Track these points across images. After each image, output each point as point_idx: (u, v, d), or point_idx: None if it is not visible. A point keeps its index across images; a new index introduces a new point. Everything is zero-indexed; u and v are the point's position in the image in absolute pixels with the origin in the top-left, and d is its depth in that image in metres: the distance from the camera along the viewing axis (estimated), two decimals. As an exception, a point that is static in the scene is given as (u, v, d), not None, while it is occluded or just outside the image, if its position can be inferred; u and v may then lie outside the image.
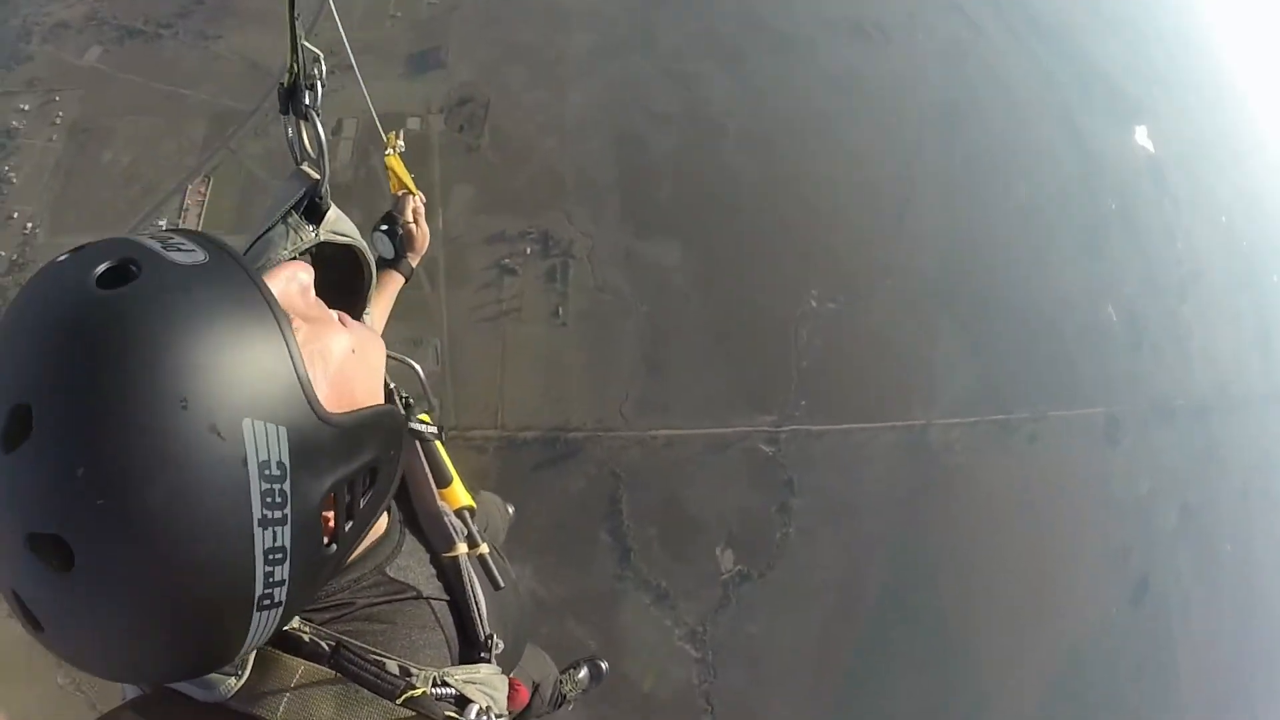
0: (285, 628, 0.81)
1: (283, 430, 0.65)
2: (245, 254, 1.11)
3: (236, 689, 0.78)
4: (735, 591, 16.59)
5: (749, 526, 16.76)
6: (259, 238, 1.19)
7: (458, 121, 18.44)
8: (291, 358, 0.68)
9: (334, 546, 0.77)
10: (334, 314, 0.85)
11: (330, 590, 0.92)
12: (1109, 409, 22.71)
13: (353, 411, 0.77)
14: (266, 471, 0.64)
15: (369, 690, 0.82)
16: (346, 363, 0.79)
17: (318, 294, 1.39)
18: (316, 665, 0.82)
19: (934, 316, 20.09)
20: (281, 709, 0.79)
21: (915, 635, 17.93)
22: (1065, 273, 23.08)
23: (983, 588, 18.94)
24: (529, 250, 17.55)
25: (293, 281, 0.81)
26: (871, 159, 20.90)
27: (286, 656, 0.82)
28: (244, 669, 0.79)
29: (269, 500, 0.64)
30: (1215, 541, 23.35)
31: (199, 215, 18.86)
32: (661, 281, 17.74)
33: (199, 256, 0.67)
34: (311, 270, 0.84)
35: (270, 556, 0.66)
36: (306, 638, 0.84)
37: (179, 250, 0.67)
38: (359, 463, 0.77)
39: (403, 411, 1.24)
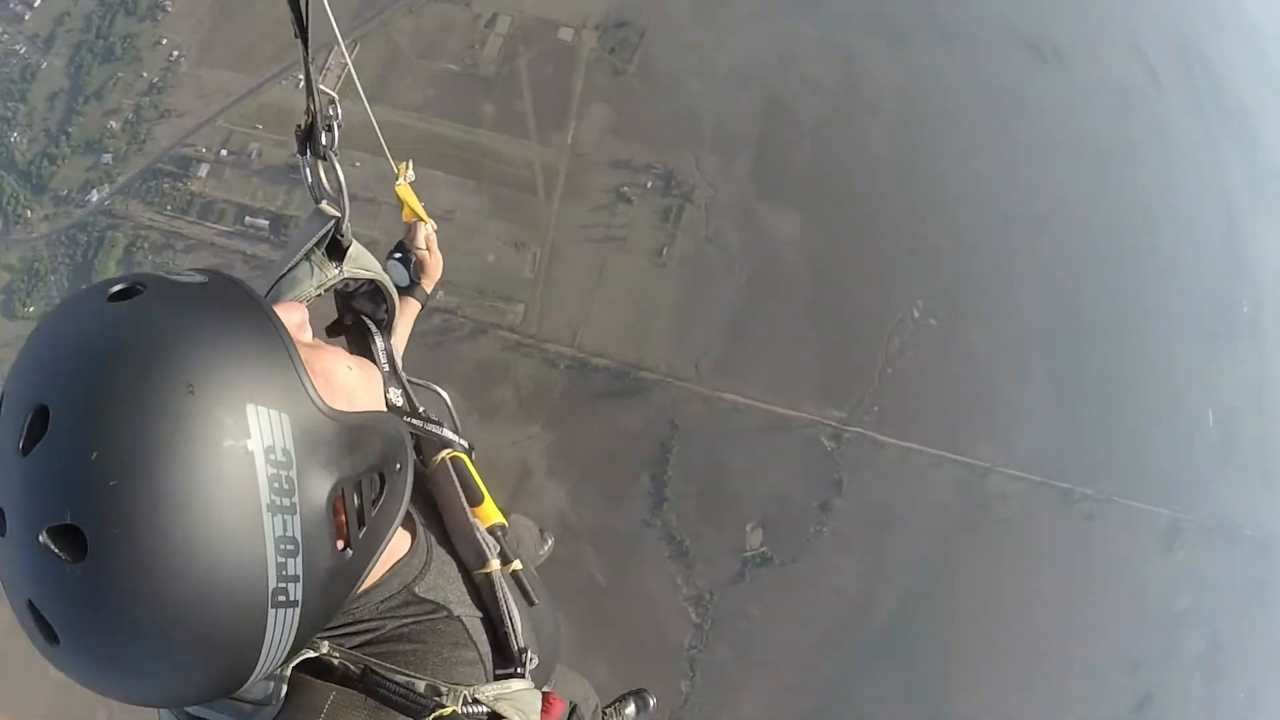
0: (317, 654, 0.82)
1: (285, 418, 0.68)
2: (269, 291, 1.19)
3: (272, 717, 0.78)
4: (752, 571, 16.58)
5: (786, 513, 16.62)
6: (283, 276, 1.20)
7: (610, 42, 18.19)
8: (290, 355, 0.71)
9: (349, 551, 0.78)
10: (331, 347, 0.88)
11: (359, 614, 0.91)
12: (1175, 513, 21.44)
13: (354, 411, 0.79)
14: (272, 456, 0.66)
15: (399, 712, 0.82)
16: (347, 377, 0.83)
17: (344, 327, 1.41)
18: (348, 689, 0.82)
19: (1031, 362, 19.14)
20: None
21: (907, 671, 17.64)
22: (1177, 360, 21.61)
23: (988, 647, 18.44)
24: (649, 184, 17.39)
25: (289, 317, 0.83)
26: (1013, 183, 19.76)
27: (319, 682, 0.82)
28: (278, 698, 0.78)
29: (276, 486, 0.66)
30: (1232, 683, 22.04)
31: (339, 77, 19.24)
32: (772, 248, 17.35)
33: (200, 279, 0.72)
34: (305, 310, 0.88)
35: (281, 546, 0.67)
36: (337, 662, 0.84)
37: (183, 276, 0.72)
38: (365, 463, 0.79)
39: (438, 432, 1.27)
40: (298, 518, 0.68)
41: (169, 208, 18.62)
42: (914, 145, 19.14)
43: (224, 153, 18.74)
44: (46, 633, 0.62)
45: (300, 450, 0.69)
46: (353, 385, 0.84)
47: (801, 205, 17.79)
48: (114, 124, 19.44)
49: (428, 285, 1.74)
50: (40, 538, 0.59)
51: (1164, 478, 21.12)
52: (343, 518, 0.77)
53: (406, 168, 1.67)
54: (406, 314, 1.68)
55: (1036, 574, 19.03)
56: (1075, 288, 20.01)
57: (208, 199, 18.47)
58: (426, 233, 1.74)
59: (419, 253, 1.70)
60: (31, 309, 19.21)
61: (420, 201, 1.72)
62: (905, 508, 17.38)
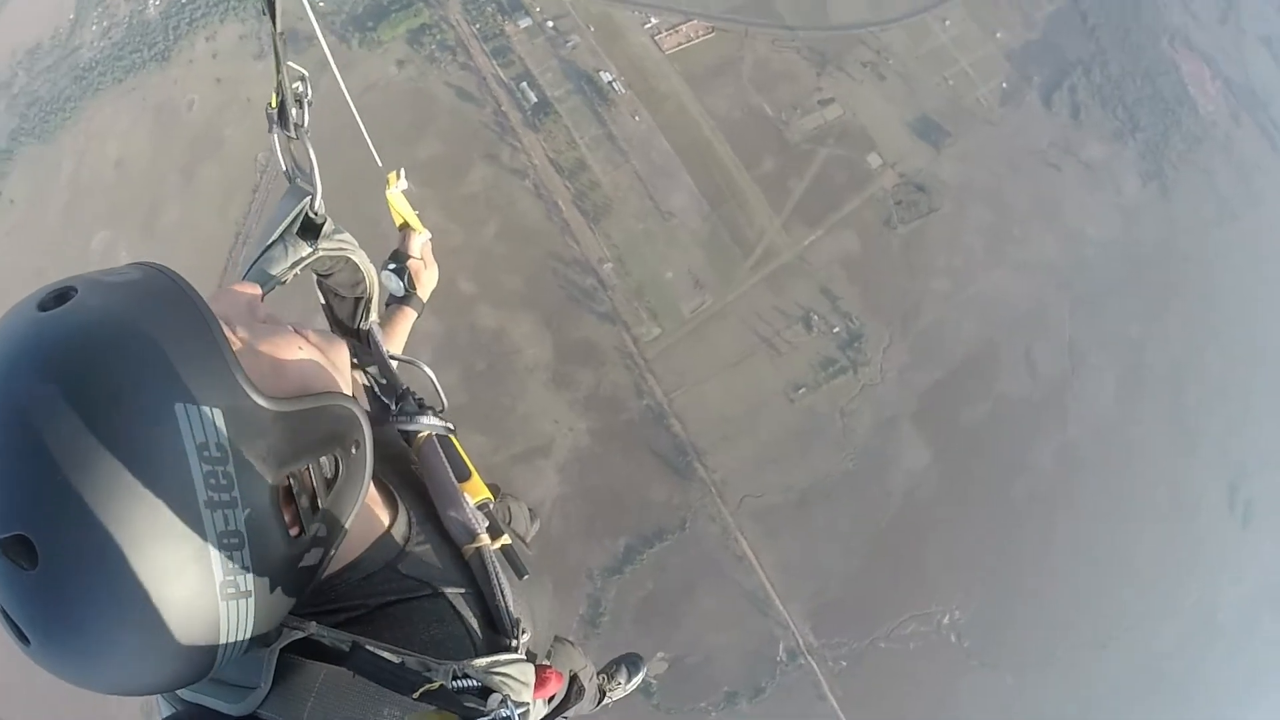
0: (305, 634, 0.80)
1: (217, 413, 0.68)
2: (248, 271, 1.18)
3: (263, 698, 0.78)
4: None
5: (698, 672, 15.86)
6: (260, 255, 1.20)
7: (902, 195, 18.23)
8: (219, 347, 0.70)
9: (304, 536, 0.78)
10: (287, 325, 0.88)
11: (341, 592, 0.92)
12: None
13: (296, 398, 0.77)
14: (206, 453, 0.66)
15: (388, 688, 0.80)
16: (293, 358, 0.82)
17: (338, 315, 1.43)
18: (337, 667, 0.81)
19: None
20: (306, 714, 0.78)
21: None
22: None
23: None
24: (836, 329, 17.23)
25: (238, 298, 0.85)
26: (1123, 596, 18.40)
27: (309, 662, 0.81)
28: (267, 679, 0.78)
29: (213, 482, 0.67)
30: None
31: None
32: (888, 463, 16.85)
33: (133, 275, 0.73)
34: (257, 289, 0.90)
35: (224, 540, 0.67)
36: (326, 641, 0.82)
37: (116, 274, 0.73)
38: (314, 447, 0.79)
39: (418, 411, 1.24)
40: (239, 511, 0.69)
41: (477, 26, 19.77)
42: (1071, 482, 18.16)
43: (550, 24, 19.77)
44: (18, 634, 0.65)
45: (236, 444, 0.69)
46: (304, 366, 0.83)
47: (940, 450, 17.15)
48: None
49: (423, 294, 1.70)
50: None
51: None
52: (294, 504, 0.77)
53: (397, 176, 1.59)
54: (402, 323, 1.67)
55: None
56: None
57: (508, 45, 19.51)
58: (422, 242, 1.69)
59: (413, 262, 1.67)
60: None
61: (415, 211, 1.67)
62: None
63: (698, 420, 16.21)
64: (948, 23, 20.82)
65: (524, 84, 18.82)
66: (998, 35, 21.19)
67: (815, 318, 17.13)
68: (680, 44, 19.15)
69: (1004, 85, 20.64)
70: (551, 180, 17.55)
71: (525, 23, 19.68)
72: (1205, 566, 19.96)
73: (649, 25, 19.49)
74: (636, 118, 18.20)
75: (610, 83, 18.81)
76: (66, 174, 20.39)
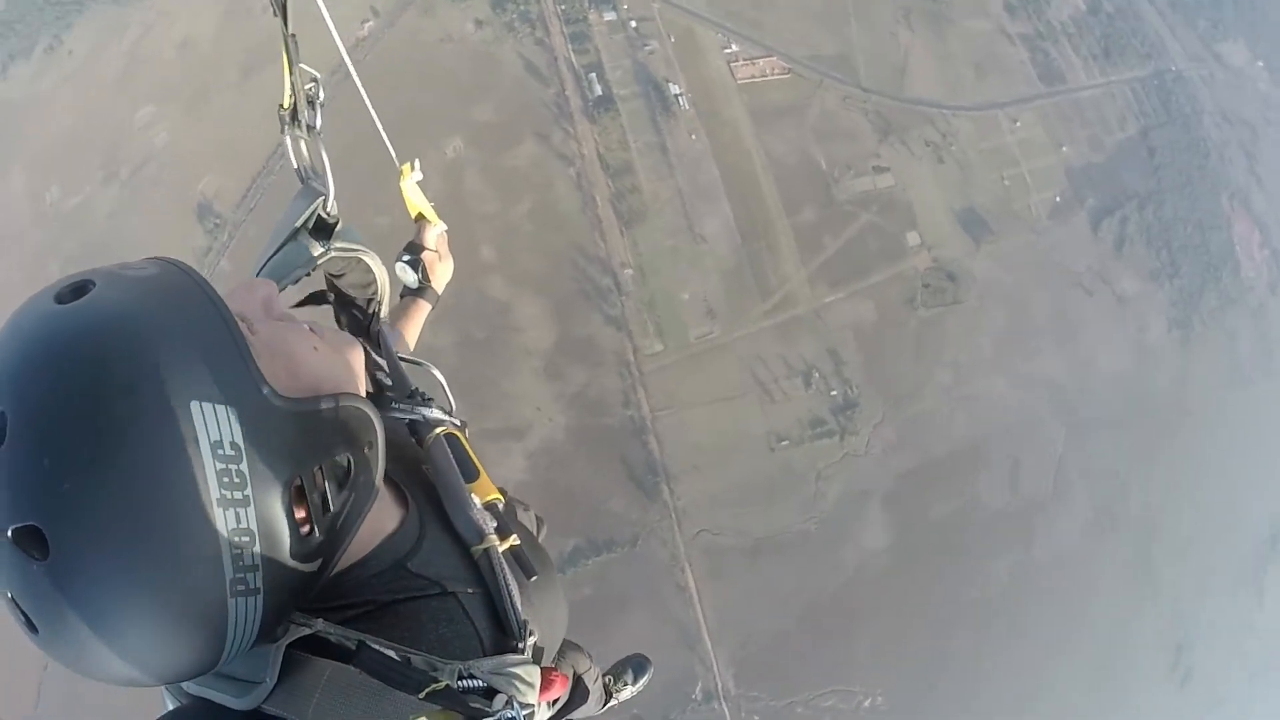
0: (312, 631, 0.81)
1: (232, 411, 0.69)
2: (260, 269, 1.18)
3: (268, 693, 0.79)
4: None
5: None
6: (271, 256, 1.21)
7: (930, 280, 18.33)
8: (236, 344, 0.71)
9: (315, 535, 0.78)
10: (303, 323, 0.89)
11: (349, 590, 0.92)
12: None
13: (311, 398, 0.78)
14: (220, 451, 0.67)
15: (394, 687, 0.80)
16: (309, 358, 0.83)
17: (349, 315, 1.43)
18: (343, 665, 0.81)
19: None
20: (311, 710, 0.78)
21: None
22: None
23: None
24: (834, 392, 17.24)
25: (254, 296, 0.85)
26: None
27: (315, 658, 0.81)
28: (273, 674, 0.78)
29: (225, 480, 0.68)
30: None
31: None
32: (844, 536, 16.82)
33: (151, 271, 0.74)
34: (272, 285, 0.90)
35: (236, 538, 0.68)
36: (332, 638, 0.83)
37: (133, 269, 0.74)
38: (327, 446, 0.79)
39: (426, 414, 1.21)
40: (252, 509, 0.70)
41: (562, 7, 19.88)
42: (1020, 603, 18.10)
43: (634, 24, 19.88)
44: (27, 623, 0.66)
45: (250, 442, 0.70)
46: (318, 365, 0.84)
47: (901, 537, 17.09)
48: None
49: (437, 286, 1.70)
50: (7, 537, 0.62)
51: None
52: (306, 502, 0.78)
53: (411, 168, 1.58)
54: (416, 315, 1.67)
55: None
56: None
57: (588, 33, 19.62)
58: (437, 234, 1.68)
59: (428, 254, 1.66)
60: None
61: (428, 205, 1.64)
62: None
63: (676, 444, 16.19)
64: (1018, 124, 20.95)
65: (593, 75, 18.90)
66: (1063, 149, 21.32)
67: (816, 376, 17.14)
68: (753, 77, 19.26)
69: (1057, 199, 20.74)
70: (595, 174, 17.63)
71: (610, 16, 19.78)
72: None
73: (729, 50, 19.59)
74: (693, 136, 18.29)
75: (676, 96, 18.90)
76: (130, 41, 20.40)
